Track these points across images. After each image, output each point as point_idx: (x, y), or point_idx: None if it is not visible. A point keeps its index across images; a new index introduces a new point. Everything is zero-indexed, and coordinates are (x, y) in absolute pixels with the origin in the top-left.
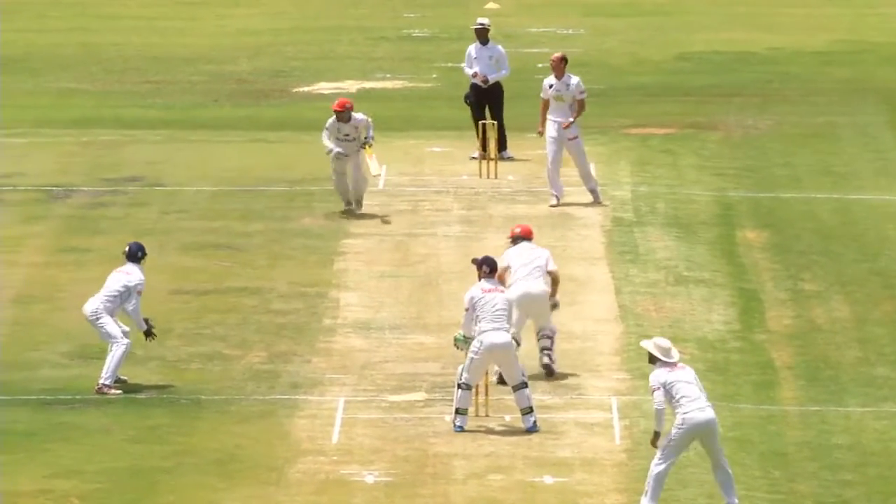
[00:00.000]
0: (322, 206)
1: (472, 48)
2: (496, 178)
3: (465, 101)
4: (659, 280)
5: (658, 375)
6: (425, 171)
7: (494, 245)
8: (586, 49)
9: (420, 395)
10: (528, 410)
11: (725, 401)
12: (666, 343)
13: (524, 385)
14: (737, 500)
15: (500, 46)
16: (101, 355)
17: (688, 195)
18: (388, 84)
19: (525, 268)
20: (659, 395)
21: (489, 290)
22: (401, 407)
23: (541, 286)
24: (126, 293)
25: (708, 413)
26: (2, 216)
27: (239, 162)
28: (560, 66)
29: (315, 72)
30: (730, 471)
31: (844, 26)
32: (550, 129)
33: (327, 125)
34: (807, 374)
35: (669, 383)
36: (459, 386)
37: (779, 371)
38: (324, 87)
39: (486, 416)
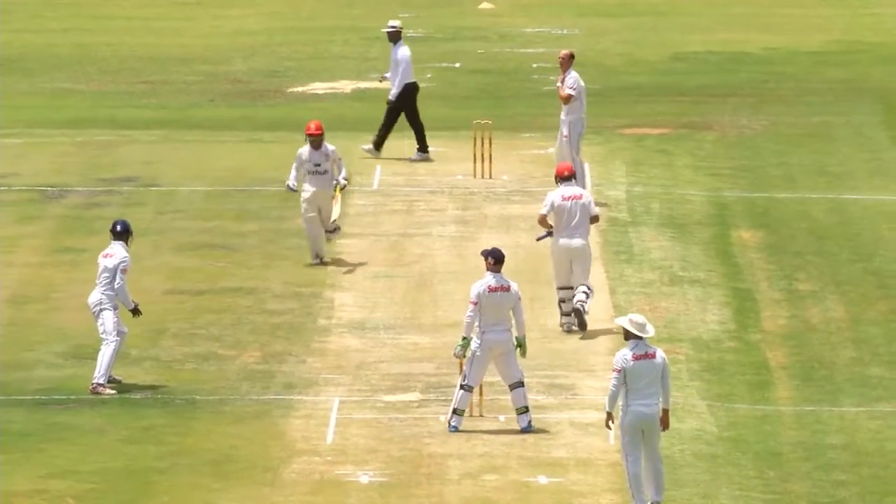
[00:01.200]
0: None
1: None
2: (491, 177)
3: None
4: (654, 280)
5: (625, 357)
6: (420, 171)
7: (489, 245)
8: (581, 49)
9: (415, 396)
10: (523, 410)
11: (720, 401)
12: (640, 318)
13: (521, 384)
14: (661, 501)
15: (401, 50)
16: (96, 356)
17: (682, 195)
18: (383, 84)
19: (567, 219)
20: (618, 379)
21: (496, 289)
22: (395, 407)
23: (582, 240)
24: (113, 274)
25: (652, 409)
26: None
27: (234, 162)
28: (564, 62)
29: (310, 72)
30: (662, 470)
31: (839, 27)
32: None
33: (298, 154)
34: (801, 373)
35: (630, 370)
36: (462, 387)
37: (773, 371)
38: (318, 87)
39: (481, 416)
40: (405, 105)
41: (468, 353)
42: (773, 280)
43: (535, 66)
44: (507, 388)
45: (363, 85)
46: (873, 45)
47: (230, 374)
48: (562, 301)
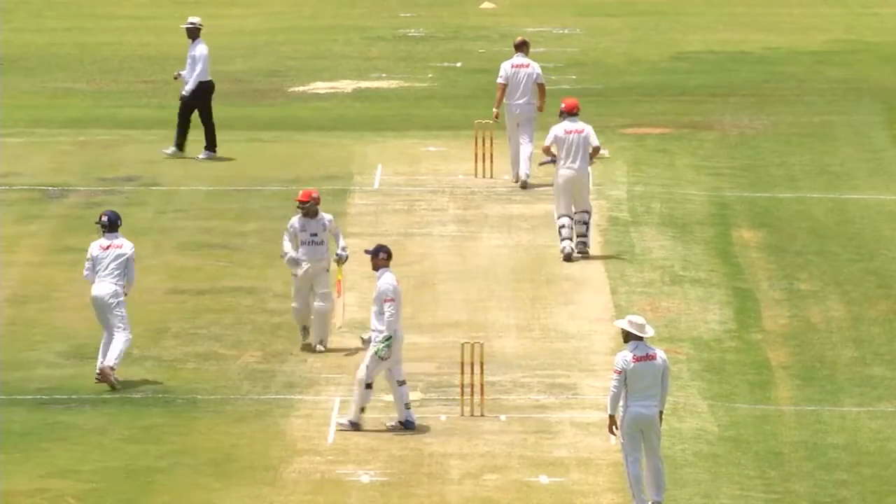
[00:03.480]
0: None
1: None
2: (492, 177)
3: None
4: (655, 280)
5: (625, 359)
6: (421, 171)
7: (489, 244)
8: (582, 49)
9: (416, 395)
10: (409, 406)
11: (721, 400)
12: (640, 319)
13: (405, 382)
14: (662, 501)
15: (199, 47)
16: (97, 355)
17: (684, 195)
18: (384, 84)
19: (568, 151)
20: (619, 380)
21: (399, 282)
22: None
23: (583, 169)
24: (125, 263)
25: (651, 411)
26: None
27: (235, 162)
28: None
29: (311, 71)
30: (662, 470)
31: (840, 26)
32: None
33: (290, 225)
34: (802, 373)
35: (630, 372)
36: (369, 386)
37: (774, 371)
38: (320, 86)
39: (482, 415)
40: (199, 103)
41: (379, 351)
42: (774, 280)
43: None
44: (396, 383)
45: (364, 84)
46: (874, 44)
47: (231, 374)
48: (561, 227)
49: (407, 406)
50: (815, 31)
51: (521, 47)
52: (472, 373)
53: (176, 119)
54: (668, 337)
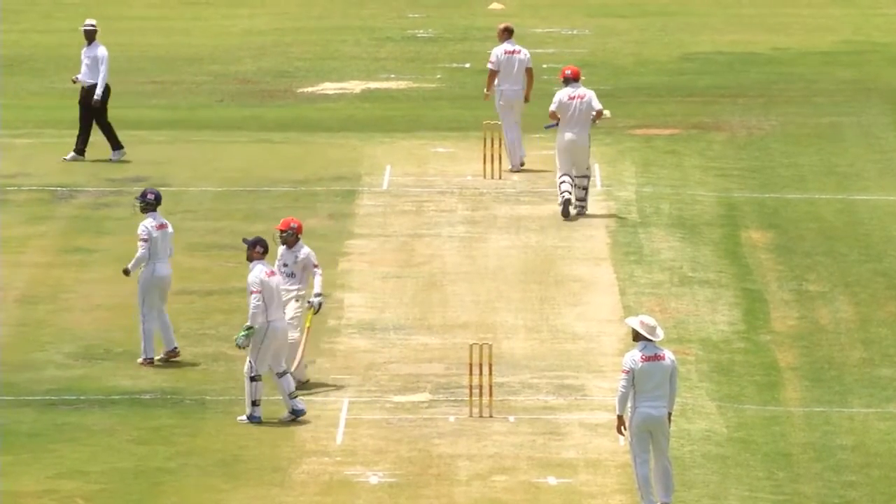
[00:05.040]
0: (326, 207)
1: (83, 50)
2: (500, 178)
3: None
4: (663, 281)
5: (633, 359)
6: (429, 172)
7: (498, 245)
8: (591, 49)
9: (424, 396)
10: (296, 395)
11: (730, 401)
12: (651, 321)
13: (287, 371)
14: (670, 502)
15: (100, 49)
16: (106, 356)
17: (692, 196)
18: (393, 84)
19: (571, 116)
20: (627, 380)
21: (271, 274)
22: (405, 408)
23: (583, 133)
24: (169, 243)
25: (660, 412)
26: (6, 216)
27: (243, 162)
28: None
29: (319, 72)
30: (671, 471)
31: (849, 27)
32: None
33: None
34: (811, 374)
35: (639, 372)
36: (254, 379)
37: (783, 372)
38: (328, 87)
39: (490, 416)
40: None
41: (255, 343)
42: (782, 281)
43: (544, 66)
44: (276, 374)
45: (373, 85)
46: (883, 45)
47: (240, 375)
48: (562, 182)
49: (291, 395)
50: (824, 31)
51: (509, 33)
52: (481, 374)
53: (79, 123)
54: (676, 338)
